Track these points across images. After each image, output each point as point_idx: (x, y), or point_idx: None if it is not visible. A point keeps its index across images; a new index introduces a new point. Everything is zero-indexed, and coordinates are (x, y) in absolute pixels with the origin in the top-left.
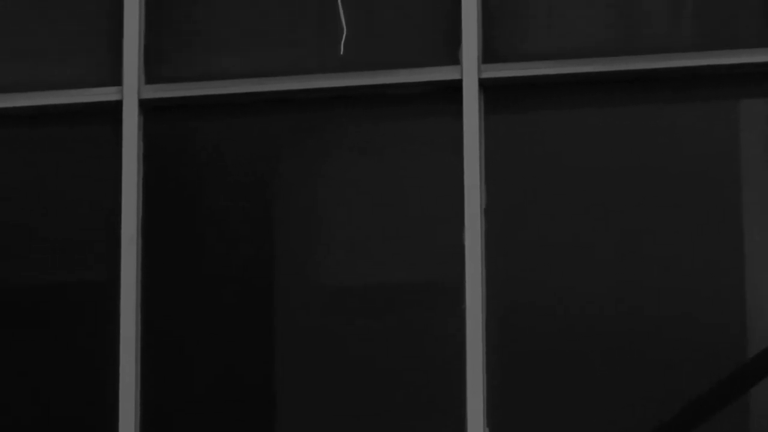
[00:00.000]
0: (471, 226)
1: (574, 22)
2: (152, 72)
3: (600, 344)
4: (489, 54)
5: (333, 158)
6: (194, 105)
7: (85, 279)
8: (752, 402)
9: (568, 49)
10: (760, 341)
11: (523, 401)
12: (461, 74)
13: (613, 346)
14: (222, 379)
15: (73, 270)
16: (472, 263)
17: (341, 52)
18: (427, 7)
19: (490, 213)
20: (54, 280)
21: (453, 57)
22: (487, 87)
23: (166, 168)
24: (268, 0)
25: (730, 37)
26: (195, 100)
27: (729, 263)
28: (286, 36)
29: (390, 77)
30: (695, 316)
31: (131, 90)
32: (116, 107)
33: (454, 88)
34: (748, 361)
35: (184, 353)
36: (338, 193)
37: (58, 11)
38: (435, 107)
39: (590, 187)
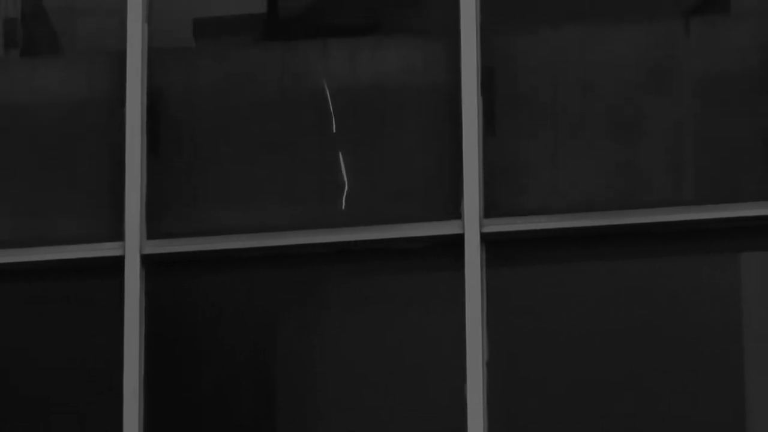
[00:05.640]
0: (473, 380)
1: (574, 177)
2: (154, 227)
3: None
4: (490, 208)
5: (334, 313)
6: (196, 260)
7: None
8: None
9: (568, 203)
10: None
11: None
12: (463, 228)
13: None
14: None
15: (74, 427)
16: (474, 417)
17: (343, 207)
18: (428, 163)
19: (492, 366)
20: None
21: (455, 212)
22: (488, 241)
23: (168, 322)
24: (269, 156)
25: (729, 190)
26: (196, 255)
27: (729, 416)
28: (288, 191)
29: (392, 232)
30: None
31: (133, 245)
32: (118, 262)
33: (456, 242)
34: None
35: None
36: (340, 348)
37: (61, 169)
38: (437, 261)
39: (592, 339)
